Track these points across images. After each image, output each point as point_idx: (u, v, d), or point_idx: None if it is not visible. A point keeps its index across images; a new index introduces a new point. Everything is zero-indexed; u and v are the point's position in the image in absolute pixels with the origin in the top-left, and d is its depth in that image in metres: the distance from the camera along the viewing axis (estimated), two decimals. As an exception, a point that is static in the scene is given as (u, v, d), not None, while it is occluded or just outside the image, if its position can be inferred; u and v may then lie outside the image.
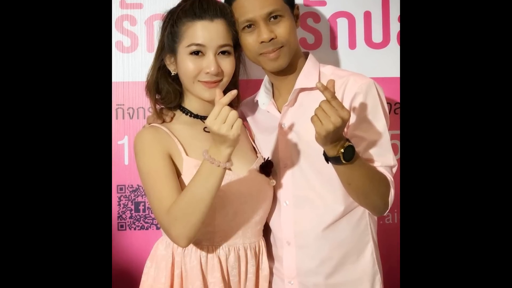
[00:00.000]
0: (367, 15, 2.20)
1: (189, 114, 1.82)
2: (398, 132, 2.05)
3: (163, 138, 1.73)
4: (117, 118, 2.16)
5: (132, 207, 2.18)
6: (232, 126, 1.51)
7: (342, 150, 1.58)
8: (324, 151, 1.62)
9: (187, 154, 1.73)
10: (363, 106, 1.71)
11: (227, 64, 1.75)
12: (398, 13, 2.14)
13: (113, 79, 2.10)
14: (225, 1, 1.79)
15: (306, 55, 1.85)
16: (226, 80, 1.76)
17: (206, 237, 1.73)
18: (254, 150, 1.89)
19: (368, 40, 2.21)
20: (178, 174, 1.71)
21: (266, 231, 1.87)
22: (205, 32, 1.72)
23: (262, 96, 1.88)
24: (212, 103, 1.60)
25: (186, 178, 1.69)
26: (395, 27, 2.19)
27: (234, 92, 1.54)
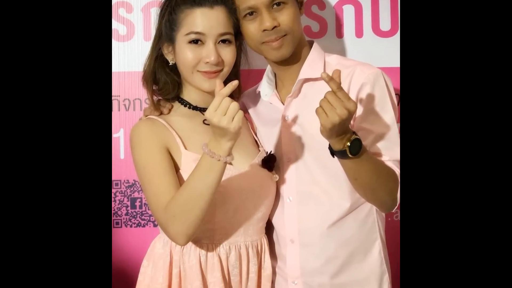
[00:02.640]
0: (375, 2, 2.19)
1: (188, 105, 1.80)
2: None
3: (161, 131, 1.71)
4: (112, 110, 2.15)
5: (128, 203, 2.18)
6: (233, 118, 1.49)
7: (349, 144, 1.55)
8: (329, 145, 1.60)
9: (185, 148, 1.71)
10: (371, 97, 1.69)
11: (228, 53, 1.73)
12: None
13: (109, 69, 2.10)
14: (225, -13, 1.78)
15: (310, 44, 1.83)
16: (226, 70, 1.74)
17: (206, 235, 1.71)
18: (256, 144, 1.88)
19: (376, 28, 2.19)
20: (176, 168, 1.69)
21: (269, 229, 1.86)
22: (204, 19, 1.70)
23: (265, 87, 1.86)
24: (212, 94, 1.58)
25: (185, 173, 1.67)
26: (403, 14, 2.17)
27: (235, 83, 1.52)
